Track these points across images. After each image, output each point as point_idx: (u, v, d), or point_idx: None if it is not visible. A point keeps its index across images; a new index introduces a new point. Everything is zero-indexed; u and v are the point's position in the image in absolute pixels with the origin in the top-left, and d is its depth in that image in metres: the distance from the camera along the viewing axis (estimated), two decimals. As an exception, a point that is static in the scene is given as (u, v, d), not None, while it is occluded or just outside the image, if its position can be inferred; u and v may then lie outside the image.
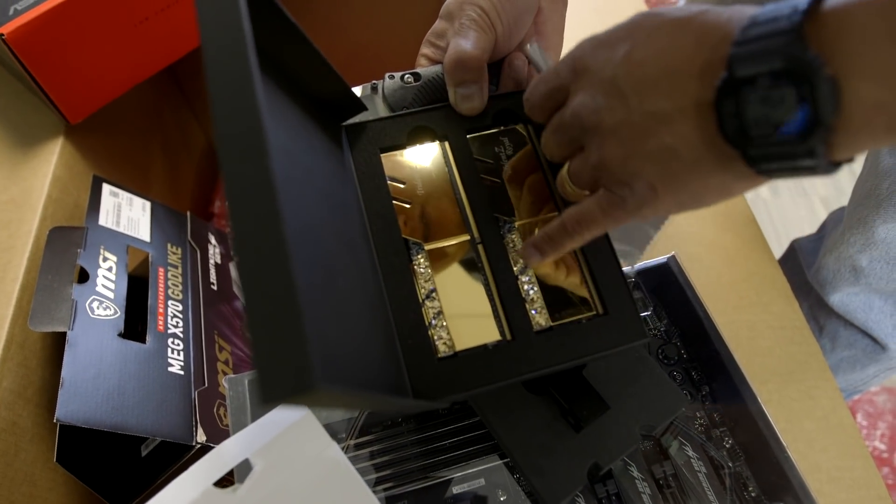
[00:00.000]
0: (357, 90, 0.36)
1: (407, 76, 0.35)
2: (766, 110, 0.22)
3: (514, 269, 0.31)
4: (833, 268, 0.55)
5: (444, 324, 0.30)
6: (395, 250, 0.31)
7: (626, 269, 0.40)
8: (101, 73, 0.45)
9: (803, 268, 0.61)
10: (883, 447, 0.92)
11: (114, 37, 0.44)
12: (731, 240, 0.52)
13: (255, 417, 0.31)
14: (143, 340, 0.40)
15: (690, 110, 0.24)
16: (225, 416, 0.41)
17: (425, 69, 0.35)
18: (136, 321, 0.42)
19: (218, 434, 0.39)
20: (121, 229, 0.44)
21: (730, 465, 0.36)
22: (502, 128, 0.35)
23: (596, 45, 0.27)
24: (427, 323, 0.30)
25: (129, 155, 0.55)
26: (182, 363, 0.41)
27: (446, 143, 0.34)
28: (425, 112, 0.34)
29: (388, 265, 0.31)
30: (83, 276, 0.40)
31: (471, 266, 0.31)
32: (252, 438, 0.28)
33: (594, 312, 0.30)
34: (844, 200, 0.55)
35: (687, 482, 0.34)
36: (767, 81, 0.21)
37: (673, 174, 0.25)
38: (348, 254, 0.28)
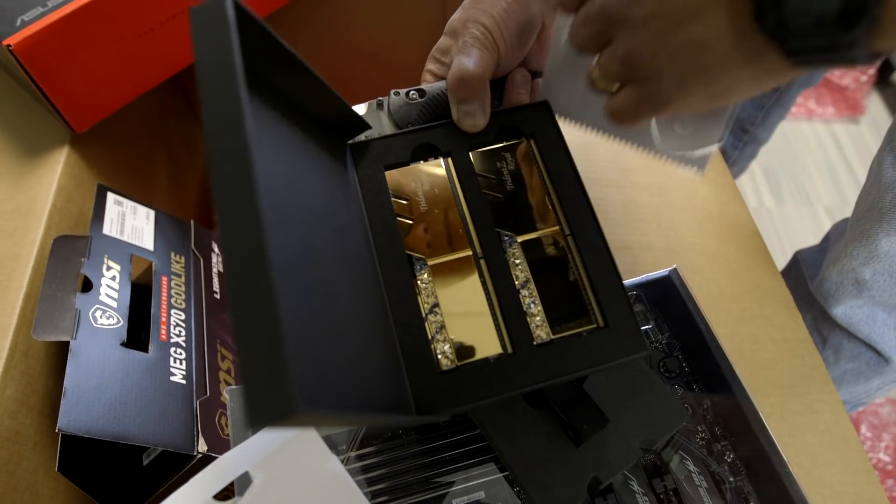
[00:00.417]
0: (363, 106, 0.36)
1: (412, 93, 0.36)
2: (806, 0, 0.21)
3: (516, 283, 0.31)
4: (836, 280, 0.55)
5: (447, 338, 0.30)
6: (399, 266, 0.31)
7: (627, 282, 0.40)
8: (106, 83, 0.45)
9: (806, 279, 0.61)
10: (887, 459, 0.92)
11: (119, 47, 0.44)
12: (733, 251, 0.52)
13: (255, 430, 0.31)
14: (145, 349, 0.40)
15: (724, 1, 0.23)
16: (226, 425, 0.41)
17: (430, 85, 0.36)
18: (139, 330, 0.42)
19: (219, 443, 0.39)
20: (125, 238, 0.45)
21: (731, 479, 0.36)
22: (505, 143, 0.35)
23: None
24: (430, 337, 0.30)
25: (133, 164, 0.55)
26: (184, 372, 0.41)
27: (449, 160, 0.35)
28: (429, 129, 0.35)
29: (392, 281, 0.31)
30: (87, 285, 0.40)
31: (473, 280, 0.32)
32: (252, 451, 0.28)
33: (594, 325, 0.31)
34: (849, 211, 0.55)
35: (688, 497, 0.34)
36: None
37: (703, 68, 0.25)
38: (349, 274, 0.28)
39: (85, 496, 0.38)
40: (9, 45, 0.39)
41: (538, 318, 0.31)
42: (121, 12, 0.43)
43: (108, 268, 0.42)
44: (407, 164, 0.34)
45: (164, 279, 0.45)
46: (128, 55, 0.45)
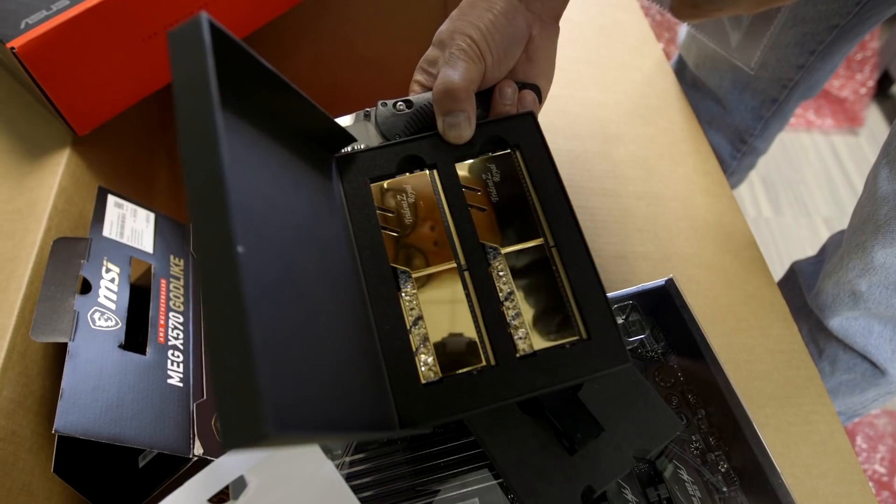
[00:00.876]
0: (350, 117, 0.36)
1: (399, 103, 0.36)
2: None
3: (500, 295, 0.32)
4: (832, 292, 0.55)
5: (430, 350, 0.30)
6: (383, 279, 0.32)
7: (623, 291, 0.41)
8: (108, 87, 0.46)
9: (803, 291, 0.61)
10: (883, 471, 0.92)
11: (122, 51, 0.45)
12: (729, 262, 0.52)
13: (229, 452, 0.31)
14: (143, 352, 0.40)
15: None
16: (221, 447, 0.41)
17: (417, 96, 0.36)
18: (137, 332, 0.42)
19: (215, 447, 0.39)
20: (124, 240, 0.45)
21: (725, 489, 0.36)
22: (490, 154, 0.35)
23: None
24: (414, 349, 0.30)
25: (134, 167, 0.55)
26: (181, 375, 0.41)
27: (435, 172, 0.35)
28: (414, 141, 0.35)
29: (377, 294, 0.31)
30: (86, 287, 0.40)
31: (457, 293, 0.32)
32: (248, 455, 0.28)
33: (577, 337, 0.31)
34: (847, 222, 0.55)
35: (681, 506, 0.35)
36: None
37: None
38: (333, 289, 0.28)
39: (80, 498, 0.38)
40: (12, 48, 0.40)
41: (521, 330, 0.31)
42: (124, 17, 0.43)
43: (108, 270, 0.42)
44: (393, 176, 0.34)
45: (163, 282, 0.45)
46: (130, 59, 0.45)
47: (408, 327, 0.31)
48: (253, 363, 0.17)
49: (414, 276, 0.32)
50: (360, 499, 0.29)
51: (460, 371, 0.30)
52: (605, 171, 0.57)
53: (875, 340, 0.56)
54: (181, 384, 0.41)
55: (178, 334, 0.43)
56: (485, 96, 0.37)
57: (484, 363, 0.30)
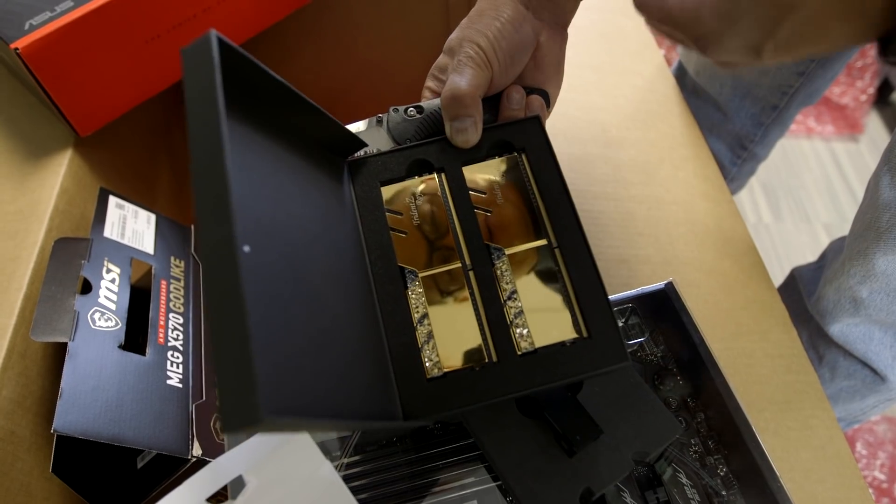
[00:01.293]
0: (363, 123, 0.38)
1: (410, 109, 0.37)
2: None
3: (503, 295, 0.33)
4: (833, 298, 0.55)
5: (435, 346, 0.31)
6: (391, 278, 0.33)
7: (623, 294, 0.41)
8: (111, 88, 0.46)
9: (803, 296, 0.61)
10: (883, 477, 0.91)
11: (125, 53, 0.45)
12: (729, 266, 0.52)
13: (250, 434, 0.31)
14: (143, 353, 0.40)
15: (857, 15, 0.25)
16: (221, 430, 0.41)
17: (428, 102, 0.37)
18: (137, 333, 0.42)
19: (214, 448, 0.39)
20: (125, 241, 0.45)
21: (724, 493, 0.36)
22: (496, 158, 0.36)
23: None
24: (419, 346, 0.31)
25: (136, 168, 0.56)
26: (181, 376, 0.41)
27: (443, 175, 0.36)
28: (423, 146, 0.36)
29: (385, 292, 0.33)
30: (86, 288, 0.40)
31: (461, 292, 0.33)
32: (246, 455, 0.28)
33: (578, 336, 0.31)
34: (847, 229, 0.55)
35: (680, 510, 0.34)
36: None
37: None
38: (341, 287, 0.30)
39: (79, 498, 0.38)
40: (16, 49, 0.40)
41: (523, 329, 0.32)
42: (128, 18, 0.43)
43: (108, 270, 0.42)
44: (402, 179, 0.36)
45: (164, 283, 0.45)
46: (134, 61, 0.46)
47: (414, 324, 0.32)
48: (251, 354, 0.19)
49: (421, 275, 0.33)
50: (358, 500, 0.29)
51: (463, 367, 0.31)
52: (606, 175, 0.57)
53: (875, 347, 0.56)
54: (180, 385, 0.41)
55: (177, 335, 0.43)
56: (493, 101, 0.38)
57: (486, 360, 0.31)
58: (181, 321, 0.44)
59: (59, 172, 0.45)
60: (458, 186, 0.35)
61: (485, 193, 0.35)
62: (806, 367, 0.47)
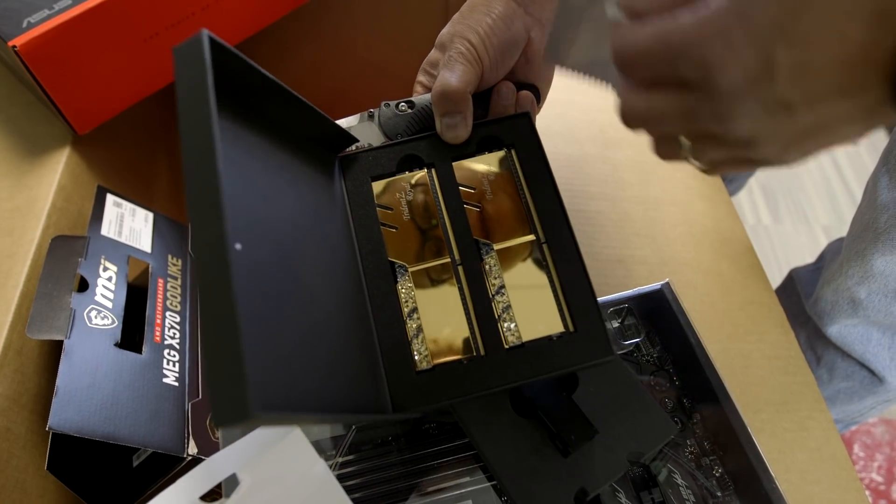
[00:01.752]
0: (355, 118, 0.38)
1: (402, 104, 0.37)
2: None
3: (491, 289, 0.33)
4: (831, 299, 0.55)
5: (424, 340, 0.32)
6: (382, 273, 0.33)
7: (619, 294, 0.41)
8: (109, 86, 0.46)
9: (801, 298, 0.61)
10: (880, 479, 0.91)
11: (123, 51, 0.45)
12: (727, 267, 0.52)
13: (244, 432, 0.31)
14: (139, 351, 0.40)
15: (872, 105, 0.21)
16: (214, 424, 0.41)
17: (419, 97, 0.37)
18: (133, 331, 0.42)
19: (209, 446, 0.39)
20: (122, 239, 0.45)
21: (719, 494, 0.36)
22: (486, 154, 0.36)
23: (721, 32, 0.21)
24: (409, 339, 0.32)
25: (134, 166, 0.56)
26: (177, 374, 0.41)
27: (433, 170, 0.36)
28: (413, 141, 0.36)
29: (375, 287, 0.33)
30: (83, 285, 0.40)
31: (450, 286, 0.33)
32: (240, 453, 0.28)
33: (564, 330, 0.32)
34: (846, 230, 0.55)
35: (675, 511, 0.34)
36: None
37: (819, 143, 0.23)
38: (331, 282, 0.30)
39: (74, 496, 0.38)
40: (14, 47, 0.40)
41: (510, 323, 0.32)
42: (126, 17, 0.43)
43: (105, 268, 0.42)
44: (393, 174, 0.36)
45: (161, 281, 0.45)
46: (132, 59, 0.46)
47: (404, 318, 0.33)
48: (241, 350, 0.19)
49: (411, 270, 0.33)
50: (352, 499, 0.29)
51: (452, 360, 0.32)
52: (603, 176, 0.57)
53: (873, 348, 0.56)
54: (177, 383, 0.41)
55: (174, 334, 0.43)
56: (484, 97, 0.38)
57: (474, 353, 0.32)
58: (178, 319, 0.44)
59: (56, 170, 0.45)
60: (448, 182, 0.35)
61: (474, 189, 0.35)
62: (803, 368, 0.47)
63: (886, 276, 0.50)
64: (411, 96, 0.38)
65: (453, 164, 0.36)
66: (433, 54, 0.37)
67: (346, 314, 0.31)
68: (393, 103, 0.37)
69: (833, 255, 0.59)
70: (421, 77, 0.38)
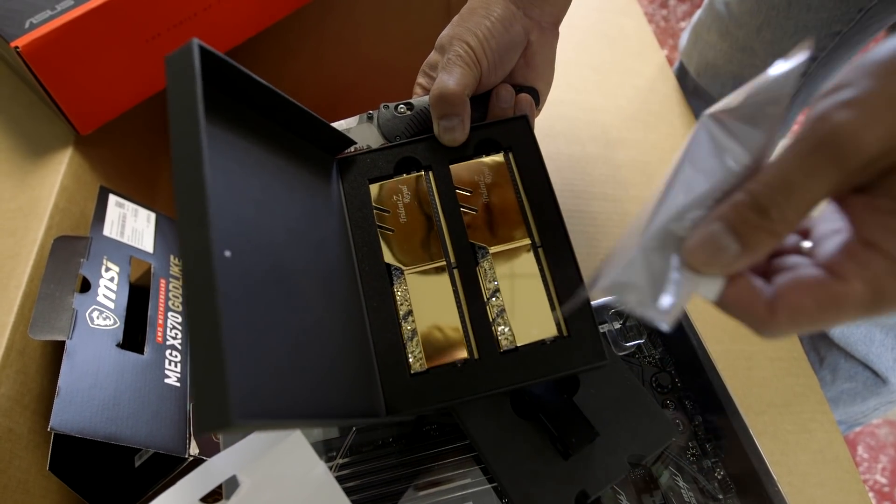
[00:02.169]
0: (354, 119, 0.38)
1: (400, 106, 0.37)
2: None
3: (486, 293, 0.33)
4: (833, 300, 0.55)
5: (419, 342, 0.32)
6: (377, 275, 0.33)
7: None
8: (112, 87, 0.46)
9: (804, 298, 0.61)
10: (884, 481, 0.91)
11: (126, 52, 0.45)
12: (730, 268, 0.52)
13: (244, 435, 0.31)
14: (141, 351, 0.40)
15: None
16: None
17: (418, 99, 0.37)
18: (135, 332, 0.42)
19: (211, 447, 0.39)
20: (125, 240, 0.45)
21: (721, 497, 0.35)
22: (483, 157, 0.36)
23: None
24: (403, 342, 0.32)
25: (136, 167, 0.56)
26: (179, 375, 0.41)
27: (430, 173, 0.36)
28: (411, 144, 0.36)
29: (371, 289, 0.33)
30: (85, 286, 0.40)
31: (446, 289, 0.33)
32: (241, 455, 0.28)
33: (558, 335, 0.32)
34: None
35: (676, 513, 0.34)
36: None
37: None
38: (324, 286, 0.30)
39: (76, 496, 0.38)
40: (17, 47, 0.40)
41: (504, 327, 0.32)
42: (128, 17, 0.43)
43: (107, 269, 0.42)
44: (390, 177, 0.36)
45: (163, 282, 0.45)
46: (134, 59, 0.46)
47: (399, 321, 0.33)
48: (223, 359, 0.20)
49: (406, 272, 0.33)
50: (352, 500, 0.29)
51: (446, 363, 0.32)
52: (606, 176, 0.57)
53: (877, 349, 0.56)
54: (178, 384, 0.41)
55: (176, 334, 0.43)
56: (482, 99, 0.38)
57: (468, 357, 0.32)
58: (180, 320, 0.44)
59: (59, 170, 0.45)
60: (445, 185, 0.35)
61: (471, 192, 0.35)
62: (806, 370, 0.47)
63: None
64: (411, 98, 0.38)
65: (451, 166, 0.36)
66: (432, 56, 0.37)
67: (340, 317, 0.31)
68: (392, 105, 0.37)
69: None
70: (420, 79, 0.38)
